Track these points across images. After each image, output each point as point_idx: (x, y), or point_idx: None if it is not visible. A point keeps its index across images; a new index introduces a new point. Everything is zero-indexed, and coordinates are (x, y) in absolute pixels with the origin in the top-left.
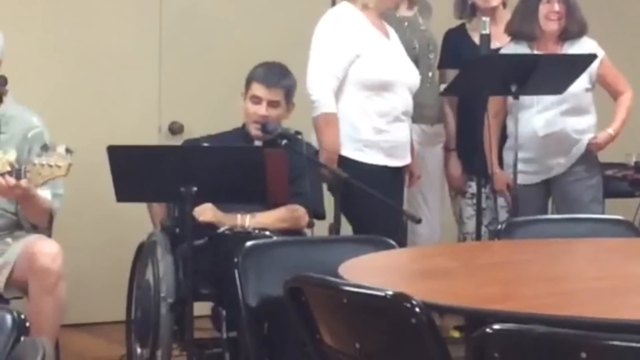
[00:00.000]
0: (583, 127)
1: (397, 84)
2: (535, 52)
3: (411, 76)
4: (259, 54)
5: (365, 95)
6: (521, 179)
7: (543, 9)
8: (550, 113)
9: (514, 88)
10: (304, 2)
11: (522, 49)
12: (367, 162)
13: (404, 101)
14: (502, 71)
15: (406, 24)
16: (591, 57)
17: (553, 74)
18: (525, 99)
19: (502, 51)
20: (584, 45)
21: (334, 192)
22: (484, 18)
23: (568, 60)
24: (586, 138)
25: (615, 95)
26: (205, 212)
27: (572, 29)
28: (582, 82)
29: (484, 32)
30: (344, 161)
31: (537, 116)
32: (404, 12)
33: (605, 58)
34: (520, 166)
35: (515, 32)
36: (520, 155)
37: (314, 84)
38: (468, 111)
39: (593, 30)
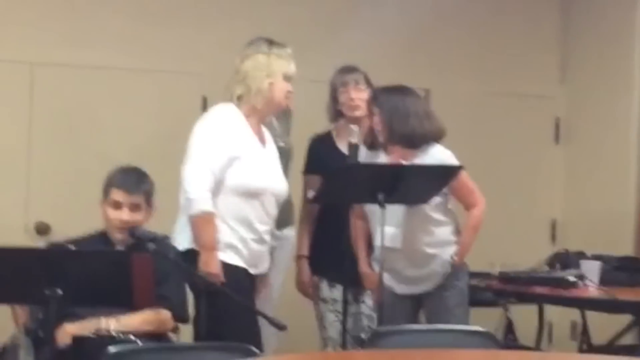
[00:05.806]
0: (438, 240)
1: (266, 193)
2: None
3: (280, 185)
4: (130, 156)
5: (234, 202)
6: (391, 287)
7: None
8: (395, 227)
9: (380, 197)
10: (174, 105)
11: (374, 155)
12: (232, 263)
13: (268, 211)
14: (369, 180)
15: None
16: (456, 169)
17: (419, 183)
18: (375, 211)
19: (361, 156)
20: (432, 155)
21: (199, 299)
22: (352, 126)
23: (433, 171)
24: (447, 251)
25: (466, 207)
26: (66, 332)
27: (393, 139)
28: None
29: (353, 141)
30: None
31: (387, 228)
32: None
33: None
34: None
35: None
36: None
37: (191, 182)
38: (331, 217)
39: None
